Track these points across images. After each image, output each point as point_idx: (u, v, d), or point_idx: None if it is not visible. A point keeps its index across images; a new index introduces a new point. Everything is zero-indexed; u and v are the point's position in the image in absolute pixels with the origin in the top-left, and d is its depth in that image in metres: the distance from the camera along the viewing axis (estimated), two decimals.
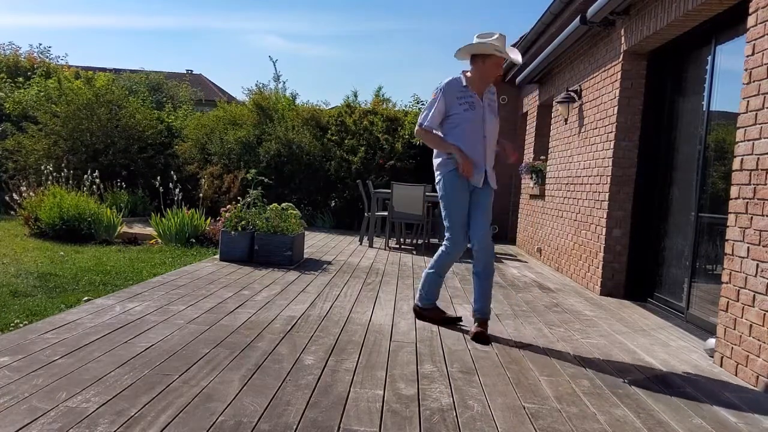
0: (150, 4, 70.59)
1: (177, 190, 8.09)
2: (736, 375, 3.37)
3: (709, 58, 4.78)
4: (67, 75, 14.46)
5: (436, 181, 4.06)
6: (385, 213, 8.68)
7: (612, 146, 5.75)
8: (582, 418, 2.60)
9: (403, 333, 3.81)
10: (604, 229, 5.79)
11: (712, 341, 3.73)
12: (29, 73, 15.45)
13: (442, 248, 4.04)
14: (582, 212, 6.48)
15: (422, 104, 12.55)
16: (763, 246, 3.21)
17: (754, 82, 3.43)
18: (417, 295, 4.24)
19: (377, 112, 11.79)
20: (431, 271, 4.09)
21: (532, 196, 8.95)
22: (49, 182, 8.60)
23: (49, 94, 12.20)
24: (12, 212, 8.58)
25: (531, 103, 9.89)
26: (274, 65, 18.53)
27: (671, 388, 3.09)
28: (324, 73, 68.02)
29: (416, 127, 4.06)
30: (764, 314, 3.14)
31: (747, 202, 3.40)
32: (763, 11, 3.40)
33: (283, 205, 6.66)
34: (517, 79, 9.62)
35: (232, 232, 6.25)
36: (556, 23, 7.04)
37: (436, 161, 4.06)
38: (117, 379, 2.63)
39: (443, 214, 4.00)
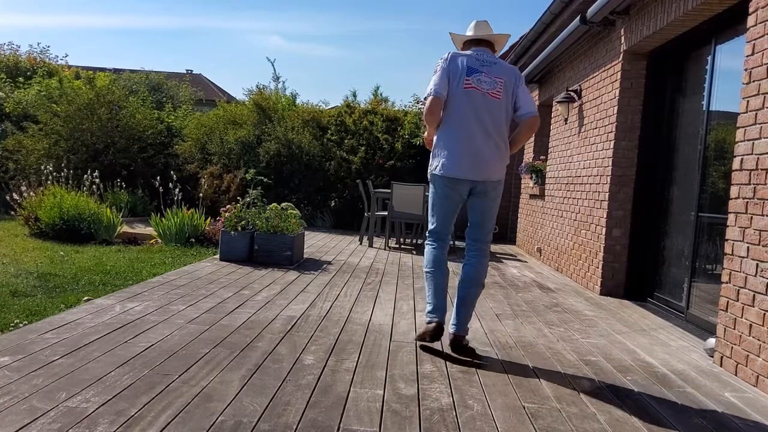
0: (150, 4, 70.70)
1: (177, 189, 8.08)
2: (736, 375, 3.37)
3: (709, 58, 4.78)
4: (68, 75, 14.47)
5: None
6: (385, 213, 8.68)
7: (612, 146, 5.75)
8: (582, 418, 2.60)
9: (403, 333, 3.81)
10: (604, 229, 5.79)
11: (712, 341, 3.73)
12: (29, 74, 15.45)
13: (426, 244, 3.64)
14: (582, 212, 6.48)
15: (422, 104, 12.47)
16: (763, 246, 3.22)
17: (753, 81, 3.43)
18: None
19: (377, 112, 11.77)
20: (424, 270, 3.60)
21: (532, 196, 8.95)
22: (49, 182, 8.60)
23: (50, 94, 12.20)
24: (12, 212, 8.57)
25: None
26: (273, 65, 18.59)
27: (671, 388, 3.09)
28: (324, 72, 68.11)
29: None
30: (764, 314, 3.14)
31: (747, 202, 3.40)
32: (763, 11, 3.40)
33: (283, 205, 6.66)
34: None
35: (232, 232, 6.25)
36: (556, 23, 7.04)
37: None
38: (117, 379, 2.63)
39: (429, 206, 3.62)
